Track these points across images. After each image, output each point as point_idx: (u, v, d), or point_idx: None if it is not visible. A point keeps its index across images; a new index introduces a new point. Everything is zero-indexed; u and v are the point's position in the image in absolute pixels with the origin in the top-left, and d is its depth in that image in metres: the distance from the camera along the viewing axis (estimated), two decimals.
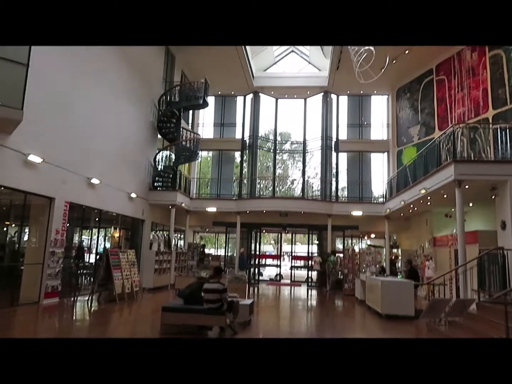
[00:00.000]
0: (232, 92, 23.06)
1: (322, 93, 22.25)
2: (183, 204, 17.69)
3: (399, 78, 20.24)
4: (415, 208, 15.94)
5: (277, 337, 7.91)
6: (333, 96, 22.52)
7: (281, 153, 26.24)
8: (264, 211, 18.89)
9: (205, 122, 23.66)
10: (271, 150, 23.35)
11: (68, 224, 11.44)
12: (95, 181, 12.40)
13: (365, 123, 22.54)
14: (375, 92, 22.09)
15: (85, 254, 13.74)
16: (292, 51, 23.81)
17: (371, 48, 12.42)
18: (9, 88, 8.47)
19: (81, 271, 13.31)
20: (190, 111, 21.57)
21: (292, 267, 21.68)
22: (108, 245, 14.56)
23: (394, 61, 17.53)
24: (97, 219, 13.68)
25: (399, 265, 19.45)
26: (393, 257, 19.14)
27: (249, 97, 22.93)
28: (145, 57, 16.06)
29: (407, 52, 17.30)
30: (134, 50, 14.95)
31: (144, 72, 16.00)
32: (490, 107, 14.99)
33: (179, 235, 21.92)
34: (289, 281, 20.97)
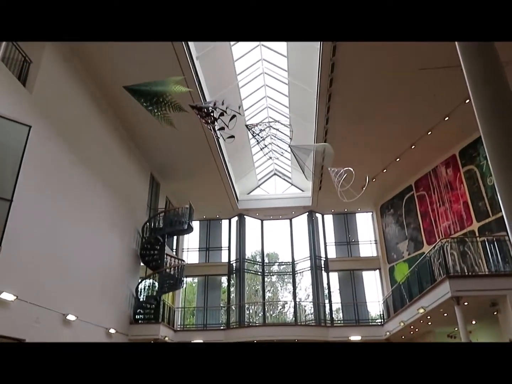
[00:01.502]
0: (217, 216, 23.19)
1: (307, 213, 22.50)
2: (166, 338, 16.37)
3: (381, 195, 20.73)
4: (416, 329, 14.95)
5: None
6: (318, 215, 22.77)
7: (269, 275, 25.48)
8: (255, 341, 17.55)
9: (190, 247, 23.24)
10: (259, 273, 22.68)
11: None
12: (71, 317, 11.44)
13: (353, 240, 22.48)
14: (359, 209, 22.45)
15: None
16: (275, 174, 24.63)
17: (350, 168, 12.83)
18: None
19: None
20: (175, 237, 21.32)
21: None
22: None
23: (373, 179, 18.08)
24: None
25: None
26: None
27: (234, 219, 23.04)
28: (129, 186, 16.24)
29: (385, 170, 17.95)
30: (119, 179, 15.16)
31: (128, 200, 16.02)
32: (474, 220, 15.08)
33: None
34: None
